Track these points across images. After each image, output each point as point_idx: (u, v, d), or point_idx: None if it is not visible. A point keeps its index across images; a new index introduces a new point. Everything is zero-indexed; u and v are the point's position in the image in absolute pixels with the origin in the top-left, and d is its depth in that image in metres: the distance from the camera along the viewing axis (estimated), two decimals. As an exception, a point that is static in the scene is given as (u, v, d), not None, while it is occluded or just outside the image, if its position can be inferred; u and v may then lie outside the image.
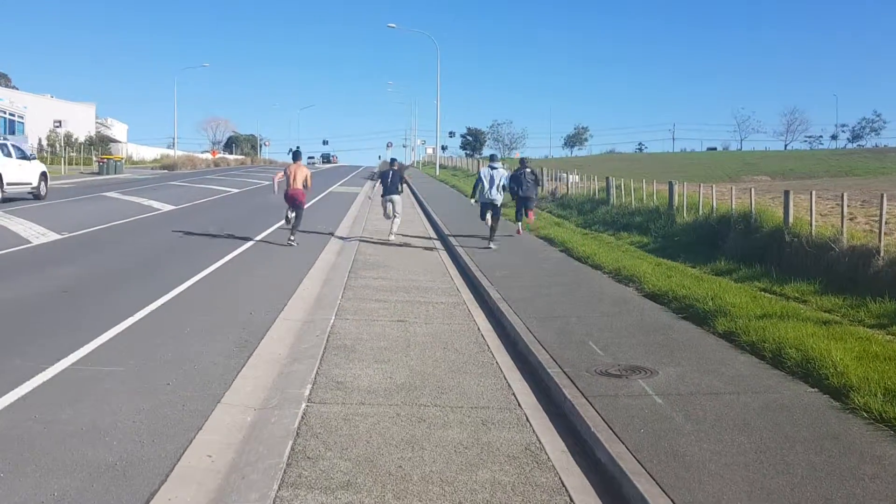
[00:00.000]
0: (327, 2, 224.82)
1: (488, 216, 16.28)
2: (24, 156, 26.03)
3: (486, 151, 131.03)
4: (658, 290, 10.23)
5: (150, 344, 7.47)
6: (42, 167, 27.26)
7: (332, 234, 18.01)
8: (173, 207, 23.73)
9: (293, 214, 16.12)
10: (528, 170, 17.90)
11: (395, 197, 17.08)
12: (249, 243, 15.47)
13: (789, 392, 6.17)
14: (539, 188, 18.80)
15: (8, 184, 23.89)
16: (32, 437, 5.02)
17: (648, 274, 11.34)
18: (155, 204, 24.57)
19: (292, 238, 15.68)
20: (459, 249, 15.10)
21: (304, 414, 5.64)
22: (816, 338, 7.28)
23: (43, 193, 26.44)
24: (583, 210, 23.72)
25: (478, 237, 16.70)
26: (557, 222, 21.27)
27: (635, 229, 18.05)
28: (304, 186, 16.00)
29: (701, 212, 16.17)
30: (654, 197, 19.81)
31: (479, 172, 17.37)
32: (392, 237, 17.13)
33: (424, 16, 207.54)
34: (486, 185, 16.19)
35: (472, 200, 17.59)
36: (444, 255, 15.42)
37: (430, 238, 18.21)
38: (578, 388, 6.19)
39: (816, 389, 6.21)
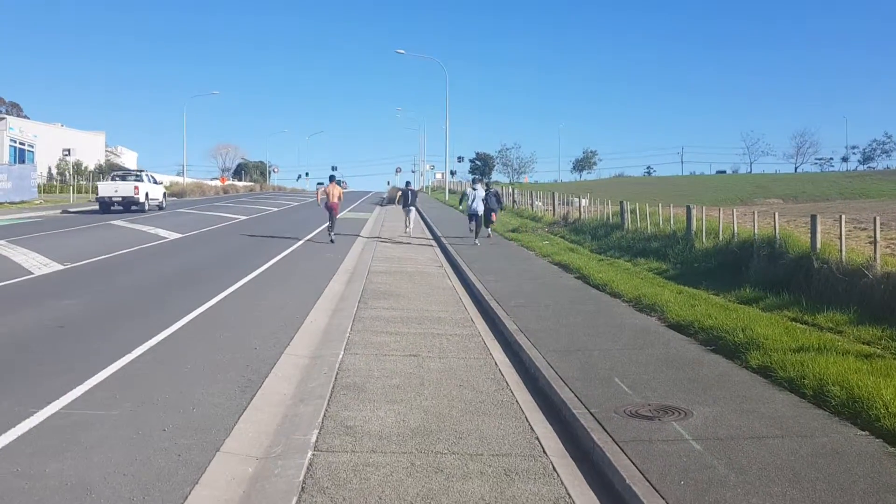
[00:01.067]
0: (336, 29, 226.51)
1: (472, 224, 23.21)
2: (154, 181, 39.76)
3: (495, 176, 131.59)
4: (683, 321, 9.75)
5: (148, 384, 7.03)
6: (163, 189, 42.15)
7: (338, 265, 17.57)
8: (180, 235, 23.41)
9: (330, 221, 22.86)
10: (493, 191, 25.12)
11: (412, 208, 26.64)
12: (256, 272, 15.08)
13: (838, 436, 5.68)
14: (501, 204, 26.68)
15: (150, 199, 37.20)
16: (13, 495, 4.58)
17: (671, 303, 10.87)
18: (161, 232, 24.26)
19: (332, 237, 22.52)
20: (469, 274, 14.68)
21: (310, 464, 5.17)
22: (861, 374, 6.80)
23: (164, 206, 39.71)
24: (596, 235, 23.26)
25: (492, 265, 16.25)
26: (571, 248, 20.83)
27: (652, 255, 17.57)
28: (338, 199, 23.07)
29: (721, 237, 15.69)
30: (671, 221, 19.34)
31: (465, 191, 26.78)
32: (409, 236, 25.13)
33: (433, 41, 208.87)
34: (471, 201, 23.37)
35: (461, 208, 27.31)
36: (457, 282, 14.98)
37: (435, 248, 17.81)
38: (608, 432, 5.71)
39: (867, 433, 5.73)
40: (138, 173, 39.06)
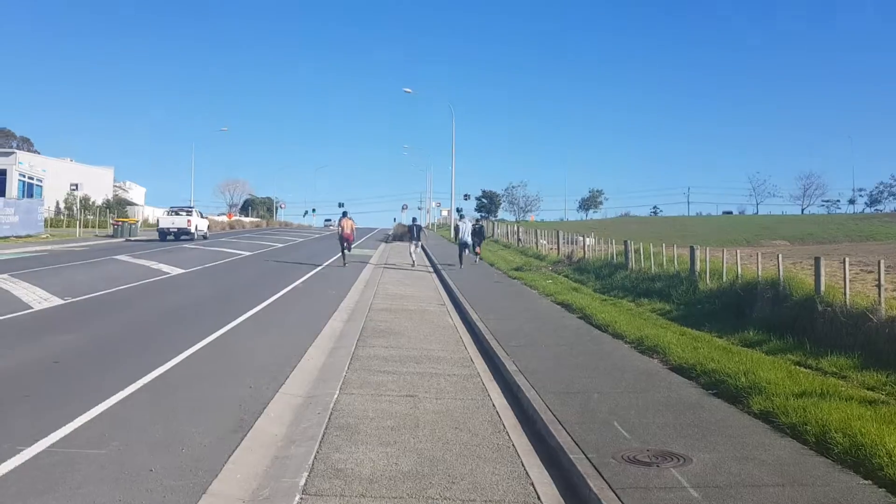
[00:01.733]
0: (344, 68, 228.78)
1: (466, 252, 28.66)
2: (201, 215, 49.73)
3: (501, 214, 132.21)
4: (685, 363, 9.63)
5: (139, 422, 6.94)
6: (207, 222, 51.74)
7: (339, 303, 17.49)
8: (182, 271, 23.42)
9: (345, 250, 27.57)
10: (479, 225, 31.81)
11: (418, 241, 30.36)
12: (257, 308, 15.02)
13: (840, 485, 5.54)
14: (484, 235, 33.17)
15: (198, 230, 45.94)
16: (-9, 536, 4.48)
17: (673, 345, 10.75)
18: (164, 267, 24.28)
19: (345, 263, 26.95)
20: (471, 312, 14.58)
21: (297, 509, 5.06)
22: (864, 420, 6.67)
23: (207, 236, 48.02)
24: (600, 275, 23.15)
25: (494, 304, 16.17)
26: (575, 287, 20.71)
27: (656, 295, 17.45)
28: (351, 231, 27.75)
29: (725, 278, 15.59)
30: (675, 262, 19.25)
31: (457, 226, 32.47)
32: (414, 265, 28.52)
33: (440, 79, 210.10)
34: (461, 232, 29.25)
35: (453, 237, 34.73)
36: (458, 320, 14.89)
37: (438, 293, 17.74)
38: (604, 479, 5.58)
39: (870, 482, 5.59)
40: (189, 209, 48.41)
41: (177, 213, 46.99)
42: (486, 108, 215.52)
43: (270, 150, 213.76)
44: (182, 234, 44.78)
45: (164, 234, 44.71)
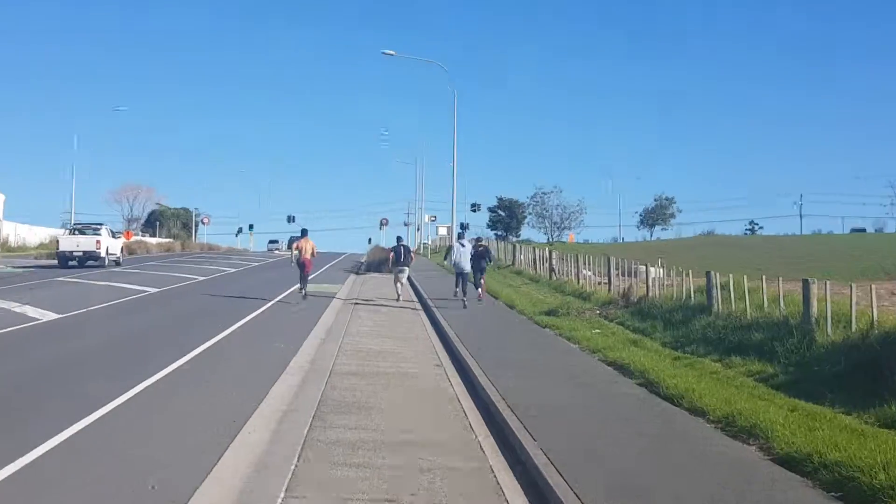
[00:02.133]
0: (297, 32, 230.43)
1: (466, 282, 29.70)
2: (113, 235, 54.91)
3: (527, 232, 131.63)
4: (796, 452, 9.68)
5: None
6: (121, 243, 57.63)
7: (289, 358, 17.54)
8: (58, 315, 23.49)
9: (302, 279, 30.70)
10: (482, 246, 33.26)
11: (405, 268, 31.87)
12: (170, 368, 15.09)
13: None
14: (490, 260, 34.75)
15: (110, 253, 50.04)
16: None
17: (779, 425, 10.79)
18: (30, 311, 24.28)
19: (302, 293, 30.42)
20: (479, 375, 14.58)
21: None
22: None
23: (121, 261, 53.36)
24: (671, 321, 23.19)
25: (513, 362, 16.25)
26: (634, 340, 20.73)
27: (753, 352, 17.47)
28: (312, 255, 30.85)
29: (855, 326, 15.62)
30: (781, 302, 19.29)
31: (452, 246, 34.48)
32: (399, 300, 30.93)
33: (437, 48, 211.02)
34: (457, 256, 30.01)
35: (445, 262, 35.70)
36: (459, 386, 14.96)
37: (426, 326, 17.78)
38: None
39: None
40: (97, 227, 52.68)
41: (81, 232, 51.03)
42: (502, 91, 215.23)
43: (188, 142, 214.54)
44: (89, 259, 48.50)
45: (65, 259, 48.35)
